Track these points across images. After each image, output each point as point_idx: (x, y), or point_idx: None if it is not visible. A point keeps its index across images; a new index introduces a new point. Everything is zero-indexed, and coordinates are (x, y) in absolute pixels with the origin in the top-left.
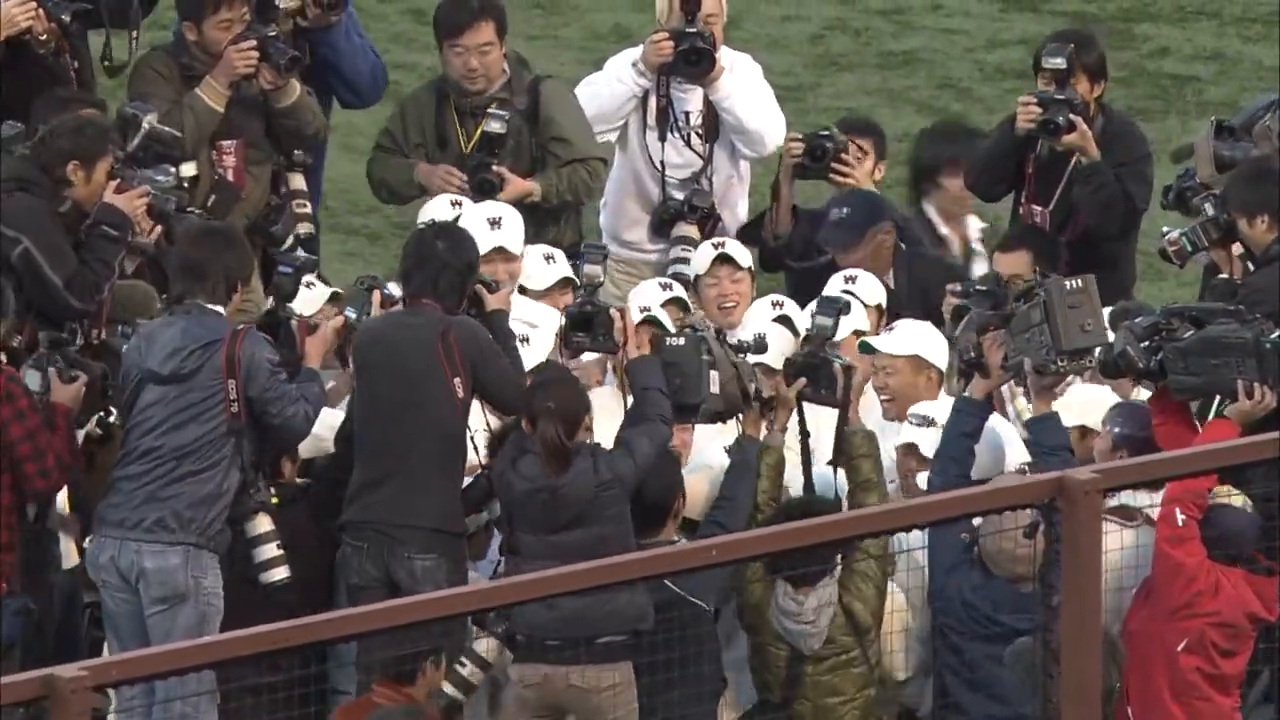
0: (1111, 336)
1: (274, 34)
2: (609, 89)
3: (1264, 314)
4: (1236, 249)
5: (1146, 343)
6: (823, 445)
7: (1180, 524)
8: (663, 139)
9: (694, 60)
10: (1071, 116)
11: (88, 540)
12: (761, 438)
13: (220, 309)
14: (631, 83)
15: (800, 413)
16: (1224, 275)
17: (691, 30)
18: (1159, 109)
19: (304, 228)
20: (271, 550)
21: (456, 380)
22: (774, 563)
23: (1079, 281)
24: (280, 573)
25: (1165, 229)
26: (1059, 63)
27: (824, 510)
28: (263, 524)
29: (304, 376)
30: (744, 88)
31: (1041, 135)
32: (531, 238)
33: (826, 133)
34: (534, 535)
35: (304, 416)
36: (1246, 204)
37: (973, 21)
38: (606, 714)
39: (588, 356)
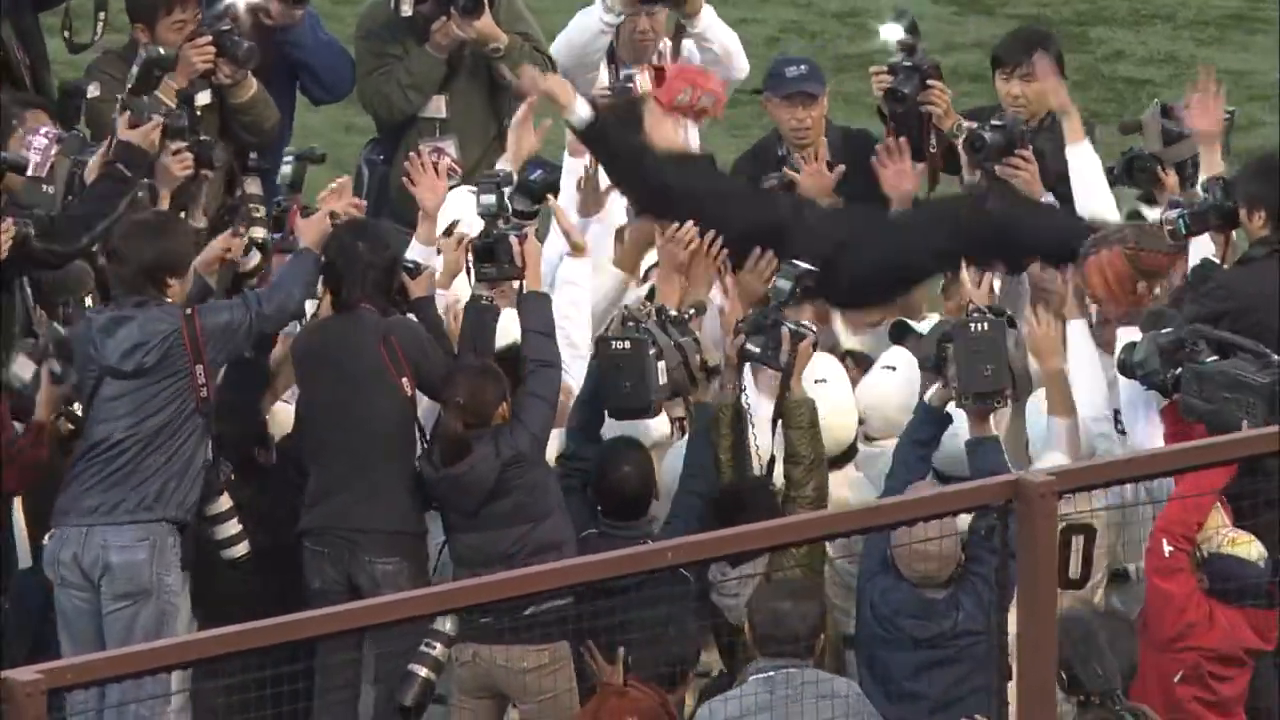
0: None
1: (228, 28)
2: (578, 25)
3: (1225, 311)
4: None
5: (1171, 356)
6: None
7: (1167, 555)
8: None
9: None
10: (930, 83)
11: (47, 536)
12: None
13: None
14: (598, 19)
15: (739, 374)
16: (1213, 257)
17: None
18: (1113, 112)
19: (259, 232)
20: (233, 527)
21: (404, 380)
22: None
23: (984, 326)
24: (241, 549)
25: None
26: (896, 29)
27: (754, 495)
28: (223, 503)
29: (296, 256)
30: (716, 17)
31: (888, 103)
32: (478, 131)
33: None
34: (456, 514)
35: (291, 300)
36: (1250, 196)
37: (928, 25)
38: (536, 694)
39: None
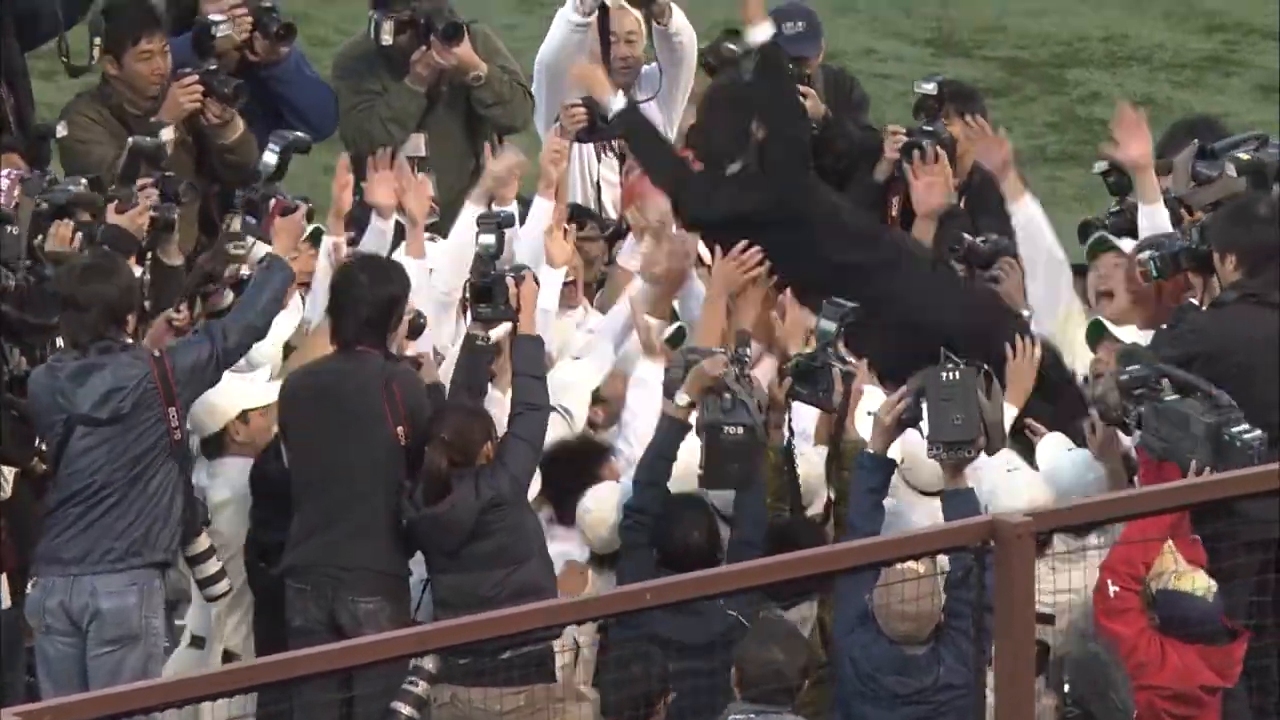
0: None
1: (214, 68)
2: (553, 30)
3: (1198, 353)
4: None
5: (1133, 392)
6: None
7: (1112, 596)
8: (599, 158)
9: None
10: (938, 149)
11: (31, 584)
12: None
13: (129, 340)
14: (567, 20)
15: (789, 415)
16: (1192, 300)
17: None
18: (1090, 154)
19: (245, 269)
20: (212, 566)
21: (400, 429)
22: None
23: (956, 374)
24: (221, 587)
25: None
26: (929, 88)
27: (806, 534)
28: (202, 543)
29: (267, 264)
30: (686, 22)
31: (904, 159)
32: (455, 167)
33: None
34: (437, 554)
35: (255, 327)
36: (1222, 241)
37: (905, 66)
38: None
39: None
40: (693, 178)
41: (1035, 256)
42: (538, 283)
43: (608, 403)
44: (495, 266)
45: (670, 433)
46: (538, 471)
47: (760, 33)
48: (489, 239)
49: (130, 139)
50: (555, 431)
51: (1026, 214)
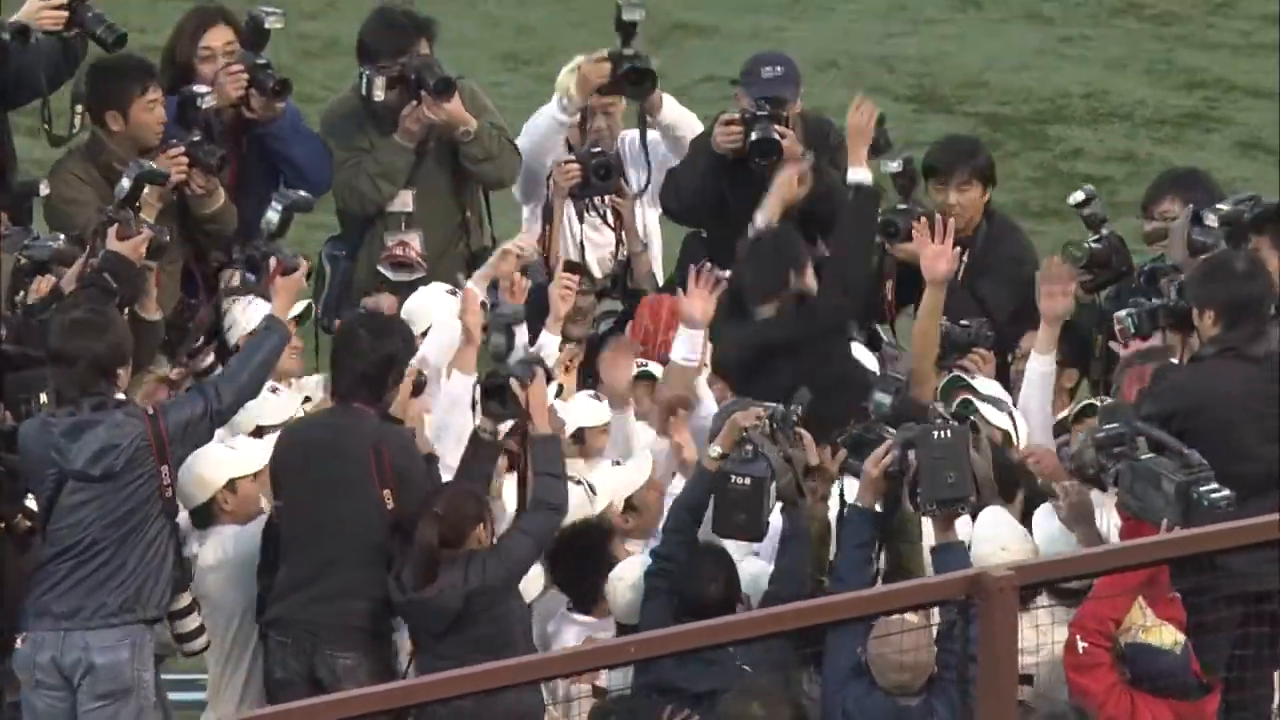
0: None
1: (198, 139)
2: (535, 124)
3: (1177, 409)
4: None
5: (1109, 450)
6: None
7: (1081, 652)
8: (581, 218)
9: (636, 80)
10: (912, 225)
11: (20, 639)
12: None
13: (121, 395)
14: (553, 117)
15: (841, 486)
16: (1174, 360)
17: (629, 52)
18: (1071, 210)
19: (236, 338)
20: (193, 622)
21: (386, 492)
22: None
23: (947, 434)
24: (200, 642)
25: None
26: (894, 167)
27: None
28: (184, 599)
29: (265, 324)
30: (677, 107)
31: (882, 236)
32: (442, 224)
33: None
34: (423, 634)
35: (249, 388)
36: (1198, 297)
37: (888, 123)
38: None
39: None
40: (729, 314)
41: (1028, 407)
42: (550, 376)
43: (639, 511)
44: (505, 366)
45: (699, 482)
46: (544, 564)
47: (860, 175)
48: (499, 339)
49: (135, 164)
50: (575, 507)
51: (1039, 367)
